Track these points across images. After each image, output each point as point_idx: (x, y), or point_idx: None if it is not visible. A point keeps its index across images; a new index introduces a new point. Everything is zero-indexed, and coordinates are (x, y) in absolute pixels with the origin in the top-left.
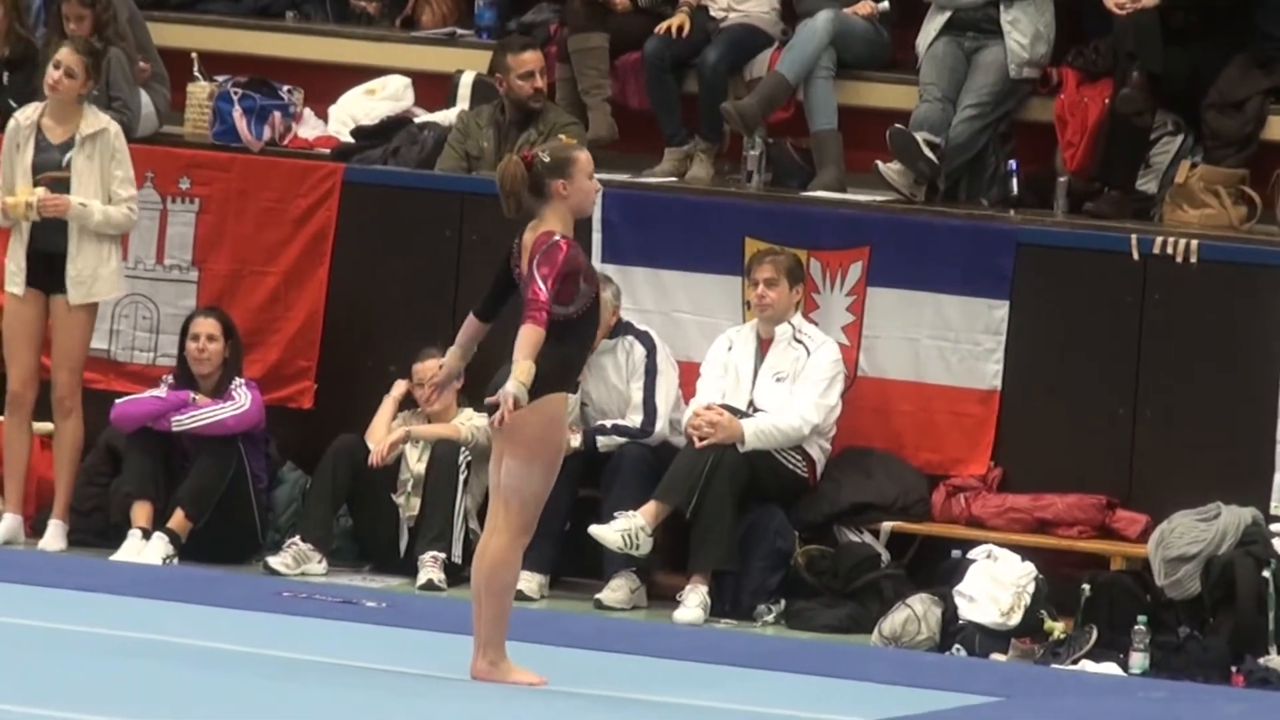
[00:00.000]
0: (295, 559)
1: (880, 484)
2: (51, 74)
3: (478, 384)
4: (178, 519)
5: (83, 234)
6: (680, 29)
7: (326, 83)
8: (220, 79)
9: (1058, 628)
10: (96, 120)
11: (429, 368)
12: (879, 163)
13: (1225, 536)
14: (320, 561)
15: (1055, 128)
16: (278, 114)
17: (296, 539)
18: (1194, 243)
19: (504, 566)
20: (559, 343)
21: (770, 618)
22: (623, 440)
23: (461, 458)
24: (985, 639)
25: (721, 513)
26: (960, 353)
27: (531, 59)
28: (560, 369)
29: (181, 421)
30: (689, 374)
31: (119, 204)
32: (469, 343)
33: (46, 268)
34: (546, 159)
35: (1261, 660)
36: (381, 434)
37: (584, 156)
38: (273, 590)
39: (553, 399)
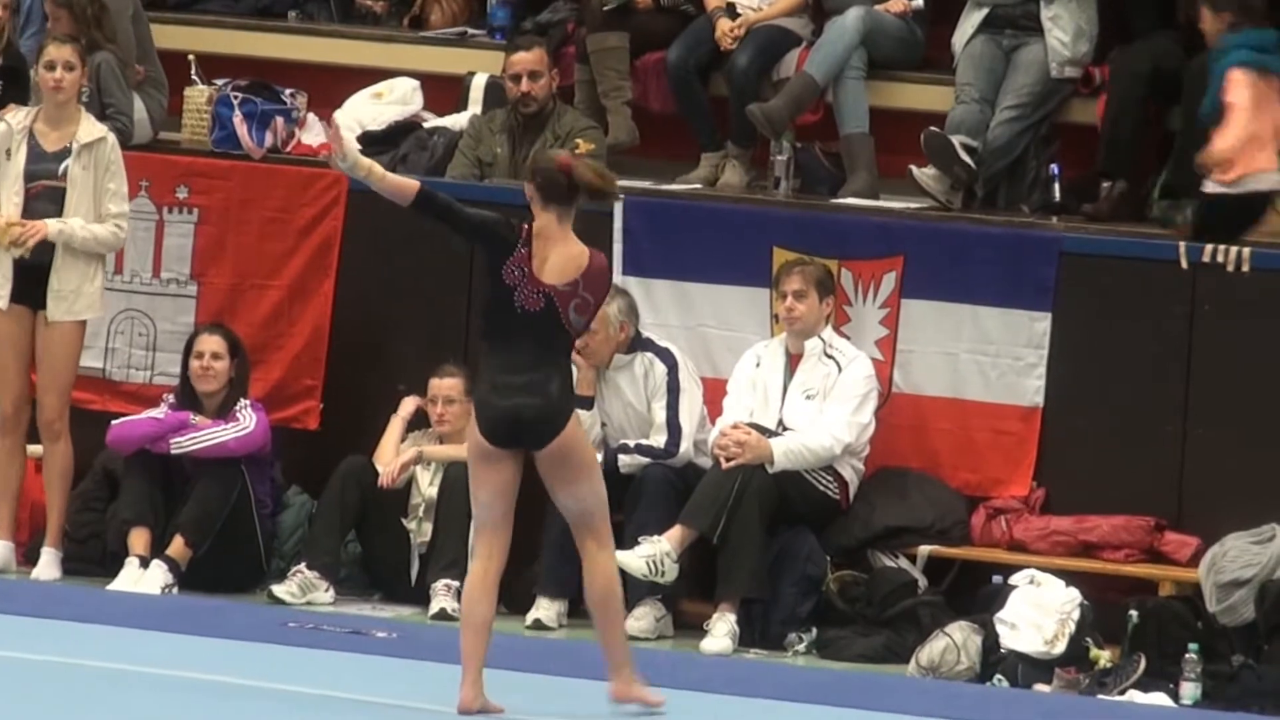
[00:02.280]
0: (301, 587)
1: (916, 506)
2: (48, 76)
3: None
4: (177, 546)
5: (68, 248)
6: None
7: (331, 86)
8: (219, 82)
9: (1104, 656)
10: (94, 129)
11: (446, 385)
12: (913, 168)
13: None
14: (327, 590)
15: (1098, 130)
16: (280, 119)
17: (302, 566)
18: (1246, 250)
19: (615, 581)
20: (567, 359)
21: (801, 647)
22: (646, 461)
23: None
24: (1028, 669)
25: (750, 537)
26: (1000, 367)
27: (520, 60)
28: (571, 384)
29: (181, 443)
30: (715, 391)
31: (107, 220)
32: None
33: (33, 282)
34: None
35: None
36: (390, 455)
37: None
38: (278, 620)
39: (578, 414)
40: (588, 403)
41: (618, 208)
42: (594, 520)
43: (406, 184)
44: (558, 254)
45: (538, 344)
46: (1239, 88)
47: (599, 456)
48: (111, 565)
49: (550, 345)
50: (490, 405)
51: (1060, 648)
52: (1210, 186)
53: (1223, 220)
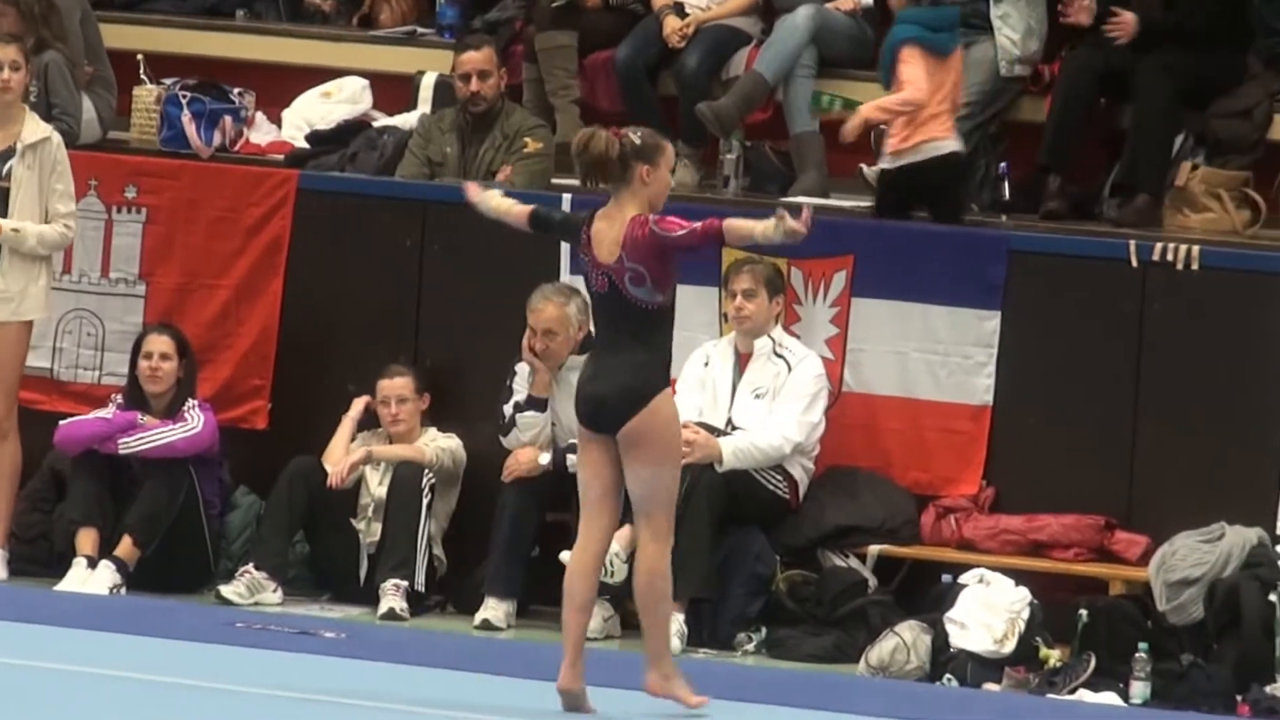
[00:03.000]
0: (249, 588)
1: (866, 505)
2: None
3: (441, 402)
4: (125, 547)
5: (13, 249)
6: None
7: (280, 85)
8: (168, 82)
9: (1054, 656)
10: (39, 129)
11: (397, 385)
12: (864, 166)
13: (1230, 559)
14: (276, 590)
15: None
16: (229, 118)
17: (250, 567)
18: (1195, 249)
19: (660, 577)
20: (656, 335)
21: (751, 647)
22: None
23: (425, 480)
24: (978, 668)
25: (699, 537)
26: (950, 366)
27: (470, 59)
28: (662, 365)
29: (129, 444)
30: None
31: (55, 220)
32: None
33: None
34: (637, 140)
35: (1268, 689)
36: (340, 455)
37: (671, 149)
38: (226, 621)
39: (663, 396)
40: (541, 404)
41: (565, 207)
42: (650, 508)
43: (524, 211)
44: (610, 230)
45: (611, 326)
46: (908, 65)
47: (546, 457)
48: (59, 566)
49: (620, 326)
50: (579, 389)
51: (1010, 647)
52: (886, 160)
53: (906, 189)
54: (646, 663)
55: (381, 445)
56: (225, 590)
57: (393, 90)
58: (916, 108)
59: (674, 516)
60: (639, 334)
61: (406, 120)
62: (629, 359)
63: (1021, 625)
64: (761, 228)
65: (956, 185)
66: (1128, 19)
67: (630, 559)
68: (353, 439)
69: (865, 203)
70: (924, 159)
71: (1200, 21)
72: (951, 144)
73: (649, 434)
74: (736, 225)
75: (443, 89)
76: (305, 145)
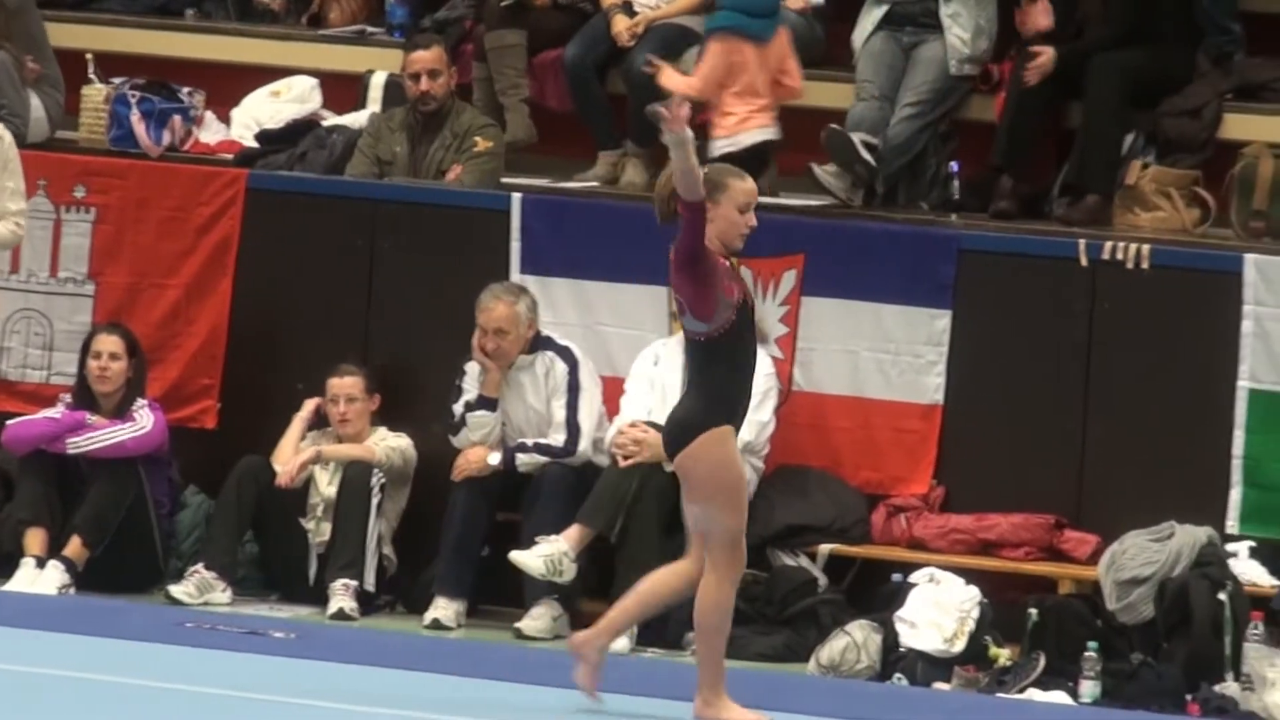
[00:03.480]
0: (199, 587)
1: (817, 504)
2: None
3: (392, 402)
4: (74, 546)
5: None
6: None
7: (229, 84)
8: (117, 81)
9: (1003, 655)
10: None
11: (347, 384)
12: (813, 165)
13: (1180, 558)
14: (225, 590)
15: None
16: (178, 118)
17: (200, 567)
18: (1145, 247)
19: (715, 610)
20: (705, 370)
21: None
22: (544, 460)
23: (374, 480)
24: (928, 667)
25: (648, 536)
26: (900, 365)
27: (419, 58)
28: (713, 399)
29: (78, 443)
30: (613, 390)
31: (6, 219)
32: None
33: None
34: None
35: (1218, 688)
36: (289, 455)
37: (740, 187)
38: (175, 621)
39: (713, 434)
40: (492, 404)
41: (515, 206)
42: (708, 542)
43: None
44: None
45: (687, 359)
46: (709, 58)
47: (496, 456)
48: (7, 566)
49: (689, 360)
50: None
51: (960, 646)
52: (718, 146)
53: None
54: (697, 686)
55: (331, 445)
56: (174, 590)
57: (342, 89)
58: (697, 98)
59: (735, 552)
60: (693, 368)
61: (356, 119)
62: (686, 393)
63: (971, 624)
64: (673, 157)
65: (760, 173)
66: (1045, 58)
67: (579, 559)
68: (302, 439)
69: (815, 201)
70: (739, 149)
71: (1131, 21)
72: (769, 132)
73: (691, 472)
74: (675, 179)
75: (392, 88)
76: (254, 144)
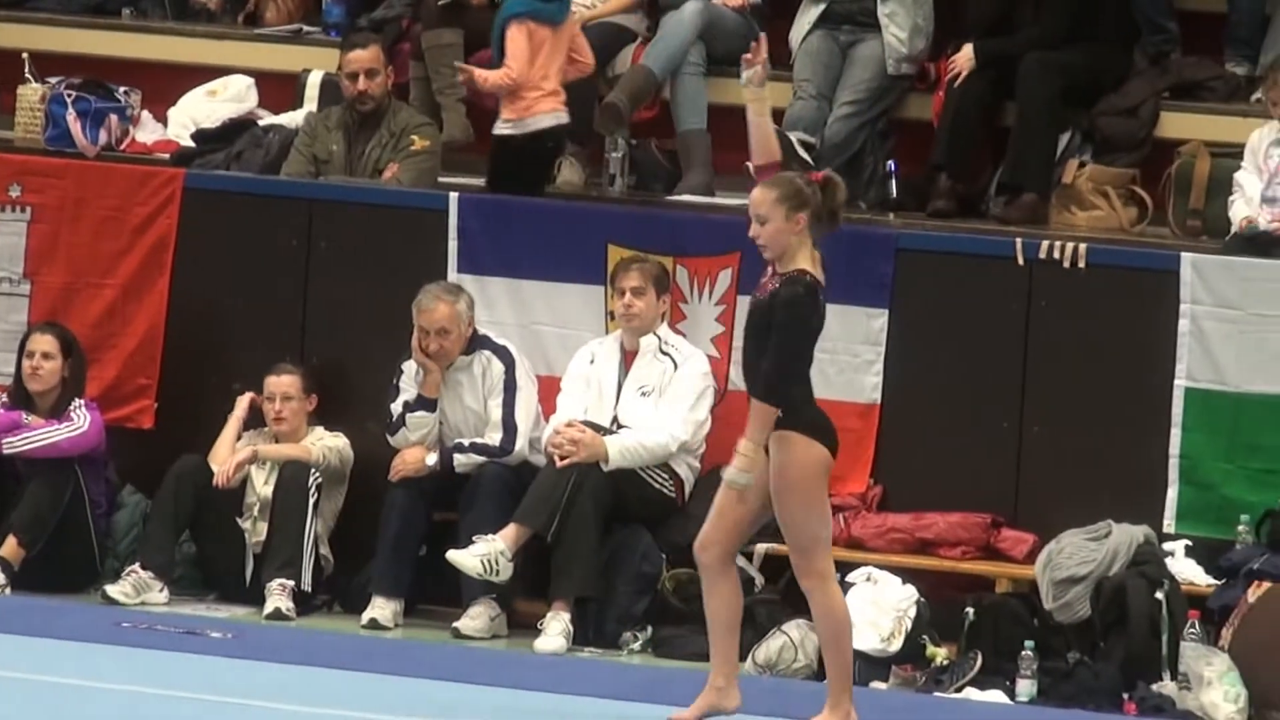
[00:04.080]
0: (135, 587)
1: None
2: None
3: (328, 401)
4: (10, 546)
5: None
6: None
7: (165, 84)
8: (53, 80)
9: (941, 654)
10: None
11: (284, 382)
12: (750, 164)
13: (1116, 557)
14: (162, 590)
15: (934, 126)
16: (114, 117)
17: (137, 566)
18: (1082, 246)
19: (831, 613)
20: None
21: (636, 646)
22: (481, 460)
23: (311, 479)
24: (865, 666)
25: (585, 536)
26: (838, 364)
27: (356, 57)
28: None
29: (14, 444)
30: (550, 389)
31: None
32: None
33: None
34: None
35: (1155, 687)
36: (226, 454)
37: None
38: (112, 621)
39: (785, 439)
40: (431, 404)
41: (453, 205)
42: (792, 550)
43: (773, 146)
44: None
45: None
46: (512, 42)
47: (433, 457)
48: None
49: None
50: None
51: (897, 645)
52: (498, 128)
53: (514, 160)
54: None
55: (267, 444)
56: (111, 590)
57: (279, 89)
58: (516, 84)
59: (816, 555)
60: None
61: (292, 118)
62: None
63: (908, 623)
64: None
65: (551, 159)
66: (963, 56)
67: (516, 559)
68: (238, 438)
69: None
70: (524, 133)
71: (1066, 21)
72: (559, 117)
73: (773, 472)
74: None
75: (329, 87)
76: (191, 144)
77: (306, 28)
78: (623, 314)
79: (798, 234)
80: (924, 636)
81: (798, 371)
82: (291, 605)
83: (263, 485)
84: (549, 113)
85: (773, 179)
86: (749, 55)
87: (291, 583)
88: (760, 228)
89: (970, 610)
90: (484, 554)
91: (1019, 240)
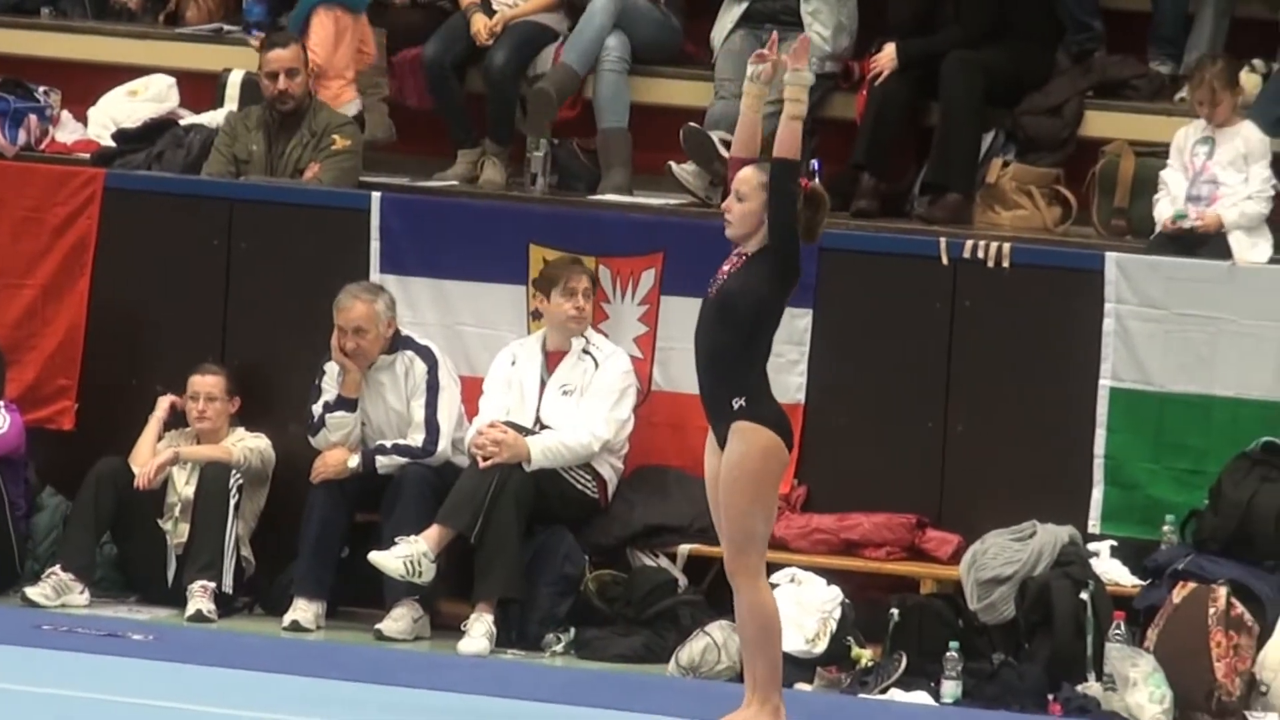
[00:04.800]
0: (56, 590)
1: (676, 504)
2: None
3: (250, 402)
4: None
5: None
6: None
7: (85, 83)
8: None
9: (865, 655)
10: None
11: (208, 382)
12: (672, 164)
13: (1041, 557)
14: (82, 592)
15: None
16: (34, 117)
17: (57, 569)
18: (1006, 246)
19: (754, 615)
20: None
21: (559, 648)
22: (403, 461)
23: (233, 481)
24: (790, 668)
25: (507, 537)
26: None
27: (277, 57)
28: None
29: None
30: (472, 389)
31: None
32: None
33: None
34: None
35: (1080, 687)
36: (147, 456)
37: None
38: (32, 623)
39: (744, 431)
40: (351, 404)
41: (375, 205)
42: (726, 543)
43: (795, 145)
44: None
45: None
46: (321, 27)
47: (356, 459)
48: None
49: None
50: None
51: (821, 646)
52: None
53: None
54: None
55: (189, 445)
56: (31, 592)
57: (199, 88)
58: (321, 70)
59: (751, 551)
60: None
61: (213, 118)
62: None
63: (833, 625)
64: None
65: None
66: (885, 55)
67: (439, 560)
68: (159, 438)
69: (674, 200)
70: None
71: (988, 19)
72: (358, 105)
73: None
74: (784, 142)
75: (249, 87)
76: (112, 144)
77: (227, 27)
78: (573, 316)
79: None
80: (849, 638)
81: (759, 354)
82: (213, 607)
83: (184, 486)
84: (352, 101)
85: (767, 163)
86: (763, 51)
87: (213, 584)
88: (736, 204)
89: (895, 611)
90: (406, 555)
91: (943, 240)
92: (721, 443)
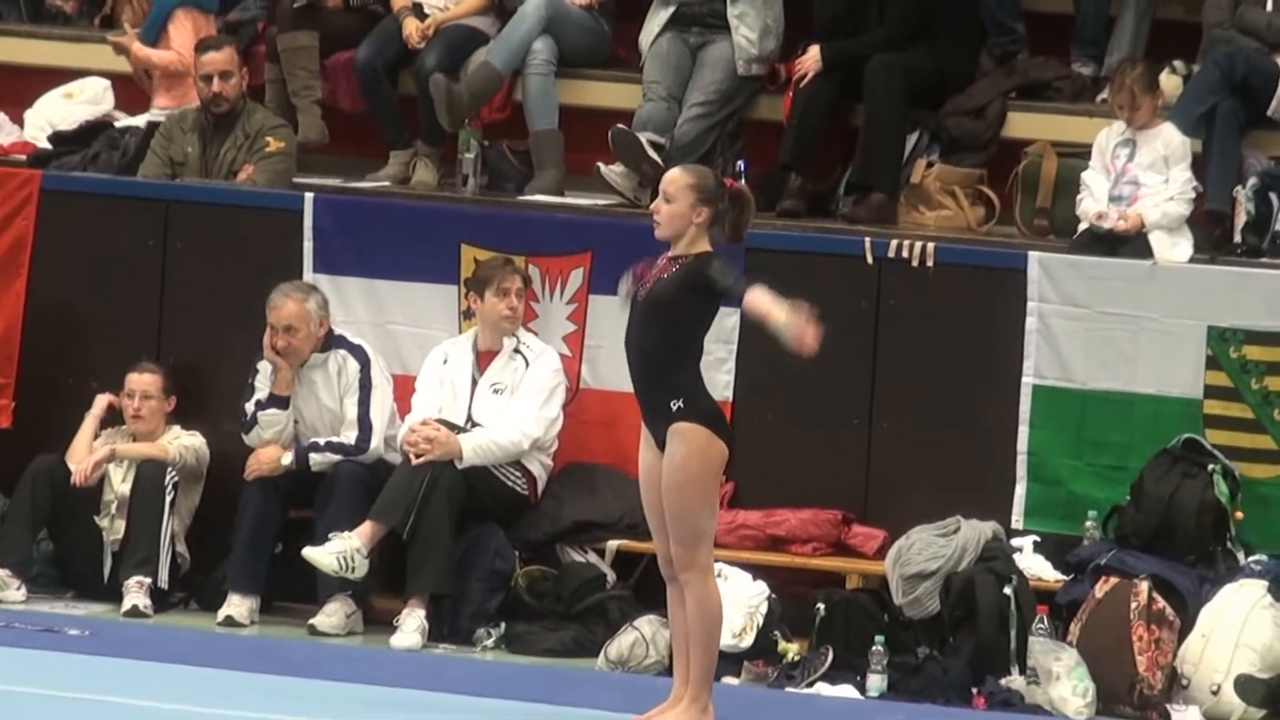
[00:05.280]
0: None
1: (605, 501)
2: None
3: (185, 401)
4: None
5: None
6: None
7: (21, 86)
8: None
9: (792, 649)
10: None
11: (145, 380)
12: (600, 165)
13: (965, 552)
14: (19, 588)
15: (785, 126)
16: None
17: None
18: (930, 245)
19: (697, 611)
20: (693, 373)
21: (490, 642)
22: (337, 458)
23: (168, 478)
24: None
25: (439, 533)
26: None
27: (211, 60)
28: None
29: None
30: (404, 388)
31: None
32: None
33: None
34: None
35: (1003, 681)
36: (83, 453)
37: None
38: None
39: (684, 432)
40: (283, 402)
41: (308, 206)
42: (675, 543)
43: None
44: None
45: None
46: (180, 28)
47: (289, 457)
48: None
49: None
50: None
51: (748, 641)
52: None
53: None
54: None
55: (125, 443)
56: None
57: (135, 91)
58: (185, 70)
59: (700, 548)
60: None
61: (148, 120)
62: None
63: (760, 619)
64: (778, 314)
65: None
66: (810, 57)
67: (371, 556)
68: (96, 436)
69: (602, 201)
70: None
71: (911, 22)
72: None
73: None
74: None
75: None
76: (48, 146)
77: None
78: (507, 316)
79: (696, 226)
80: (775, 632)
81: (691, 357)
82: (149, 602)
83: (120, 484)
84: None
85: (695, 167)
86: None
87: (149, 580)
88: (664, 205)
89: (821, 606)
90: (340, 551)
91: (868, 240)
92: (659, 442)
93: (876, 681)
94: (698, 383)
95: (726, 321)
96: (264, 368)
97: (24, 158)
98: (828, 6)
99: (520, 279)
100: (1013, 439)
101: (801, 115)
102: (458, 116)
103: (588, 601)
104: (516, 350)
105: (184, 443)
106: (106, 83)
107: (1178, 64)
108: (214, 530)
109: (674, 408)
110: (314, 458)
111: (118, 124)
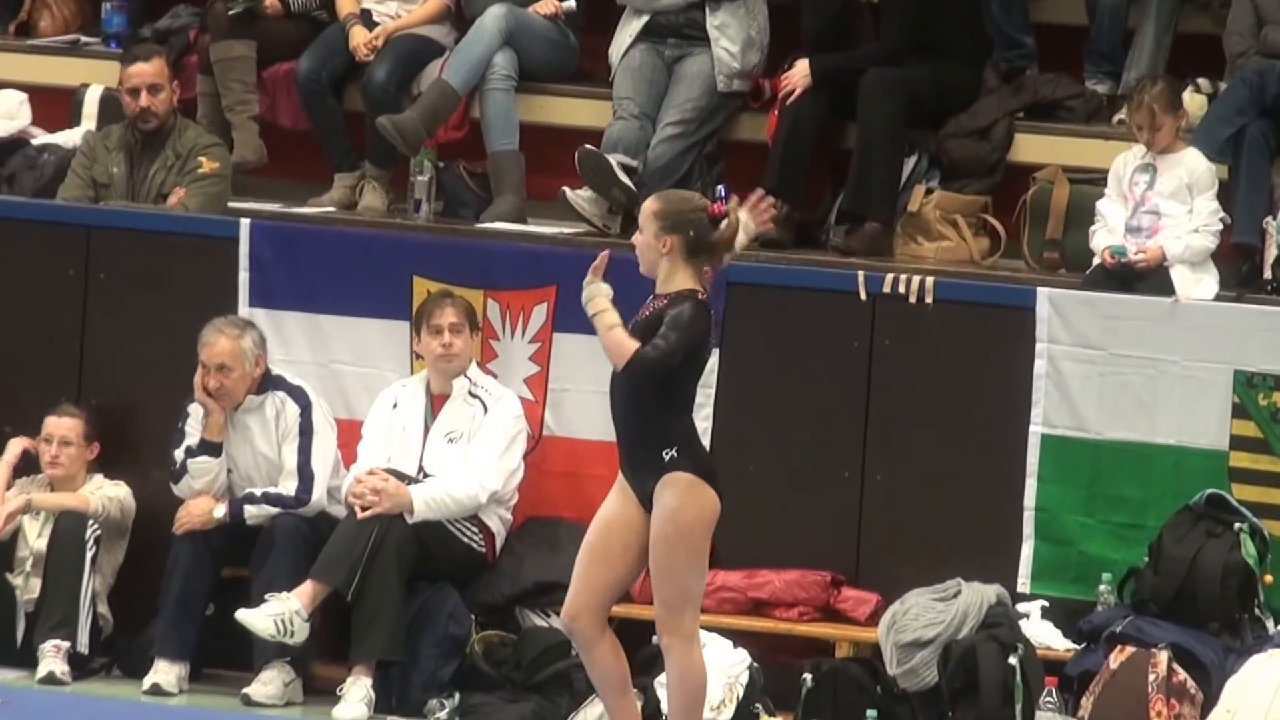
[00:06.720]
0: None
1: (569, 560)
2: None
3: (109, 446)
4: None
5: None
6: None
7: None
8: None
9: None
10: None
11: (65, 425)
12: (566, 189)
13: (966, 618)
14: None
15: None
16: None
17: None
18: (930, 280)
19: (679, 681)
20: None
21: (443, 714)
22: (274, 511)
23: (89, 532)
24: None
25: (388, 594)
26: None
27: (139, 71)
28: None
29: None
30: (350, 434)
31: None
32: None
33: None
34: None
35: None
36: None
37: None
38: None
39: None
40: (215, 448)
41: (244, 233)
42: (659, 603)
43: (626, 346)
44: None
45: None
46: None
47: (222, 509)
48: None
49: None
50: None
51: (727, 714)
52: None
53: None
54: None
55: (42, 493)
56: None
57: (54, 105)
58: None
59: (686, 611)
60: None
61: (69, 138)
62: None
63: (740, 690)
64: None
65: None
66: (797, 72)
67: (312, 619)
68: (9, 485)
69: (568, 229)
70: None
71: (909, 35)
72: None
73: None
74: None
75: (109, 104)
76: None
77: (84, 38)
78: (441, 354)
79: (666, 255)
80: (757, 705)
81: (682, 404)
82: (67, 669)
83: (35, 538)
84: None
85: (666, 192)
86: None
87: (67, 644)
88: (638, 236)
89: (808, 676)
90: (277, 614)
91: (861, 273)
92: (642, 495)
93: None
94: (691, 431)
95: None
96: (194, 411)
97: None
98: (816, 16)
99: (457, 311)
100: (1019, 494)
101: (788, 136)
102: (416, 145)
103: (550, 670)
104: (473, 394)
105: (107, 493)
106: (23, 96)
107: (1202, 81)
108: (139, 589)
109: (666, 457)
110: (249, 510)
111: (35, 141)
